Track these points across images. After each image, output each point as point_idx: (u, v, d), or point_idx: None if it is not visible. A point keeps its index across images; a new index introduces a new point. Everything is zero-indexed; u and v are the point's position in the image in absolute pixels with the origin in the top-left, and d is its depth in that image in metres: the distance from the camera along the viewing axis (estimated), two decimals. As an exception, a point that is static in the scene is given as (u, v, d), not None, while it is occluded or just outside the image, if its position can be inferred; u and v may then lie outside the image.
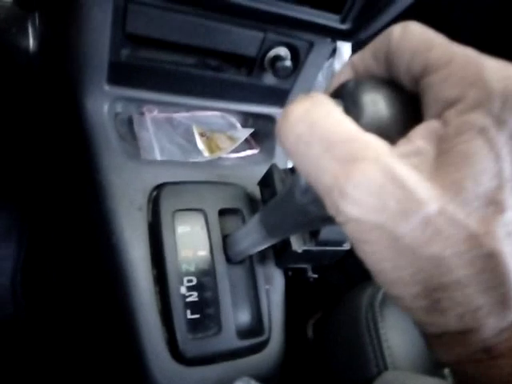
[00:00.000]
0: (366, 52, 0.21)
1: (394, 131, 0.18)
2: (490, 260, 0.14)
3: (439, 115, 0.17)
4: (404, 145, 0.17)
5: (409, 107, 0.19)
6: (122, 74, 0.47)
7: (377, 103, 0.19)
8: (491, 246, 0.14)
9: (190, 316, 0.40)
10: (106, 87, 0.47)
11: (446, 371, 0.41)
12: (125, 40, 0.44)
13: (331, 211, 0.17)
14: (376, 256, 0.16)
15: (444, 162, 0.15)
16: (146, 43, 0.46)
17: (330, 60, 0.85)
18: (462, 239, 0.14)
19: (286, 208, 0.30)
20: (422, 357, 0.43)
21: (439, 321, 0.15)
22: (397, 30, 0.19)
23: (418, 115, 0.19)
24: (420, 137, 0.17)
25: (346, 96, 0.19)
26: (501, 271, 0.14)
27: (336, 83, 0.21)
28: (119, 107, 0.52)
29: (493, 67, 0.16)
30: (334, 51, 0.81)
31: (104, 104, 0.48)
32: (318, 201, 0.23)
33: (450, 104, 0.16)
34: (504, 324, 0.15)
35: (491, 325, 0.15)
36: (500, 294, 0.15)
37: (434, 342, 0.17)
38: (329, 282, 0.60)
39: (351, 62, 0.22)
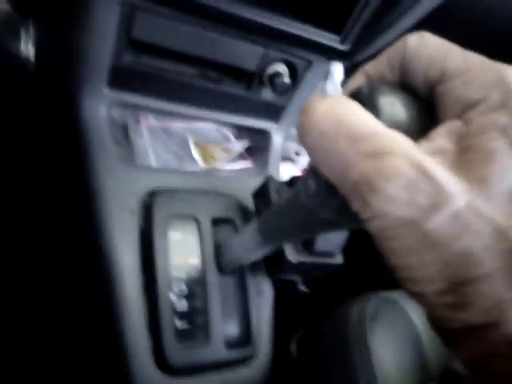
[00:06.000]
0: (381, 60, 0.21)
1: (412, 132, 0.18)
2: None
3: (459, 116, 0.17)
4: (426, 143, 0.17)
5: (424, 111, 0.20)
6: (122, 79, 0.47)
7: (394, 105, 0.19)
8: None
9: (178, 324, 0.39)
10: (106, 91, 0.47)
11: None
12: (128, 46, 0.45)
13: (357, 207, 0.17)
14: (403, 252, 0.16)
15: (467, 159, 0.16)
16: (149, 50, 0.46)
17: (321, 82, 0.87)
18: (490, 233, 0.15)
19: (288, 213, 0.29)
20: (411, 374, 0.43)
21: (462, 316, 0.15)
22: (413, 38, 0.20)
23: (432, 119, 0.19)
24: (441, 136, 0.17)
25: (362, 99, 0.19)
26: None
27: (349, 89, 0.21)
28: (116, 112, 0.52)
29: (511, 71, 0.17)
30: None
31: (102, 108, 0.47)
32: (328, 203, 0.23)
33: (472, 105, 0.17)
34: None
35: None
36: None
37: (454, 339, 0.17)
38: (313, 297, 0.59)
39: (364, 70, 0.22)
